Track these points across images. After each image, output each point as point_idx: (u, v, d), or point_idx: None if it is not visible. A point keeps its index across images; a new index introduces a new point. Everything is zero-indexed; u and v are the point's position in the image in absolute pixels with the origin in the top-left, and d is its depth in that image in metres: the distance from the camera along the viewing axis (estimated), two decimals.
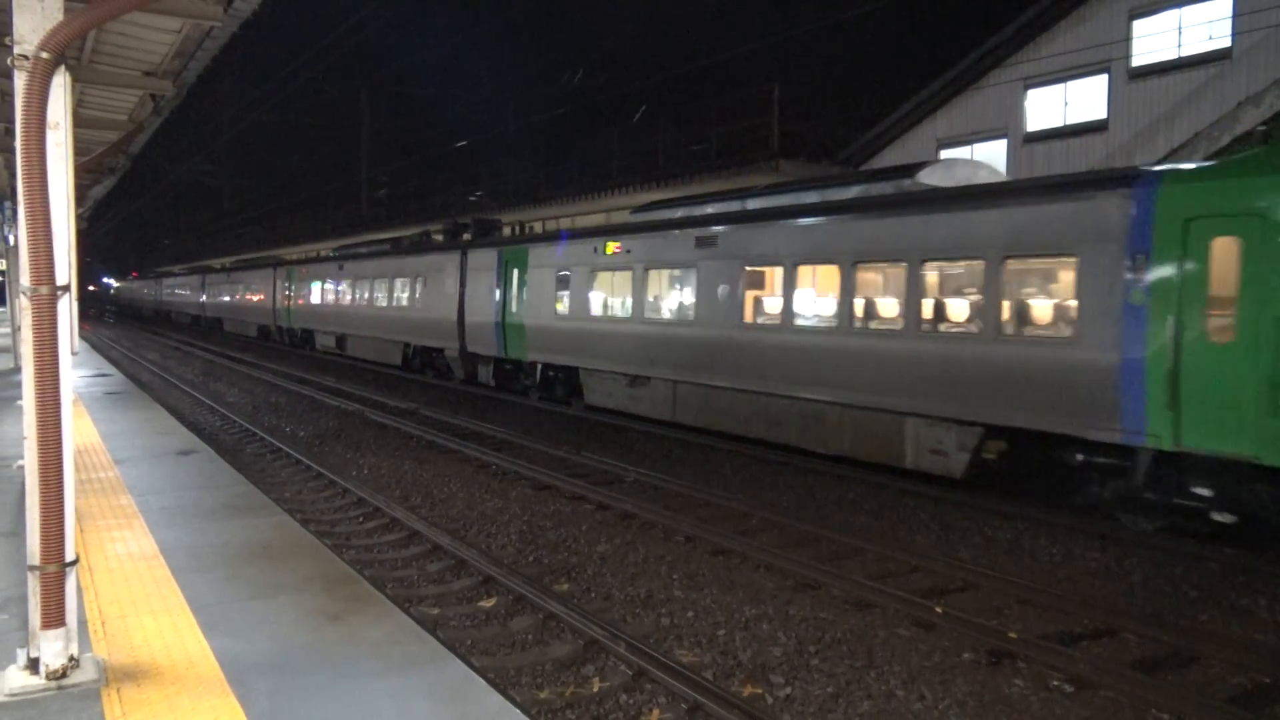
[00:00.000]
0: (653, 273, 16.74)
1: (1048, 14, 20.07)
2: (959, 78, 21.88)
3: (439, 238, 27.51)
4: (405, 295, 26.69)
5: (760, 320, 14.54)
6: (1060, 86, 20.10)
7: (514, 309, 20.67)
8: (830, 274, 13.41)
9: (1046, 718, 6.17)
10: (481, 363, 22.81)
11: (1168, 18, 18.34)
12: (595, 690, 6.48)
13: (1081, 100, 19.76)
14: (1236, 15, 17.06)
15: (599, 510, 11.46)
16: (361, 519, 11.09)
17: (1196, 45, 17.82)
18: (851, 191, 13.87)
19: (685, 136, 26.87)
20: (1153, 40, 18.54)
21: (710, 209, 16.25)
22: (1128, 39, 18.72)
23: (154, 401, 18.11)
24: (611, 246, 17.52)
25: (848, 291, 12.86)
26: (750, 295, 14.72)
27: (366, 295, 29.35)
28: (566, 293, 18.88)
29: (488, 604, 8.20)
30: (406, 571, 9.17)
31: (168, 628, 5.74)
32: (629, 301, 17.13)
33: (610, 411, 18.22)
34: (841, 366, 12.85)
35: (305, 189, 54.93)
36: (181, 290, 64.03)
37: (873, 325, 12.77)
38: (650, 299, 16.76)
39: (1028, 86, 20.56)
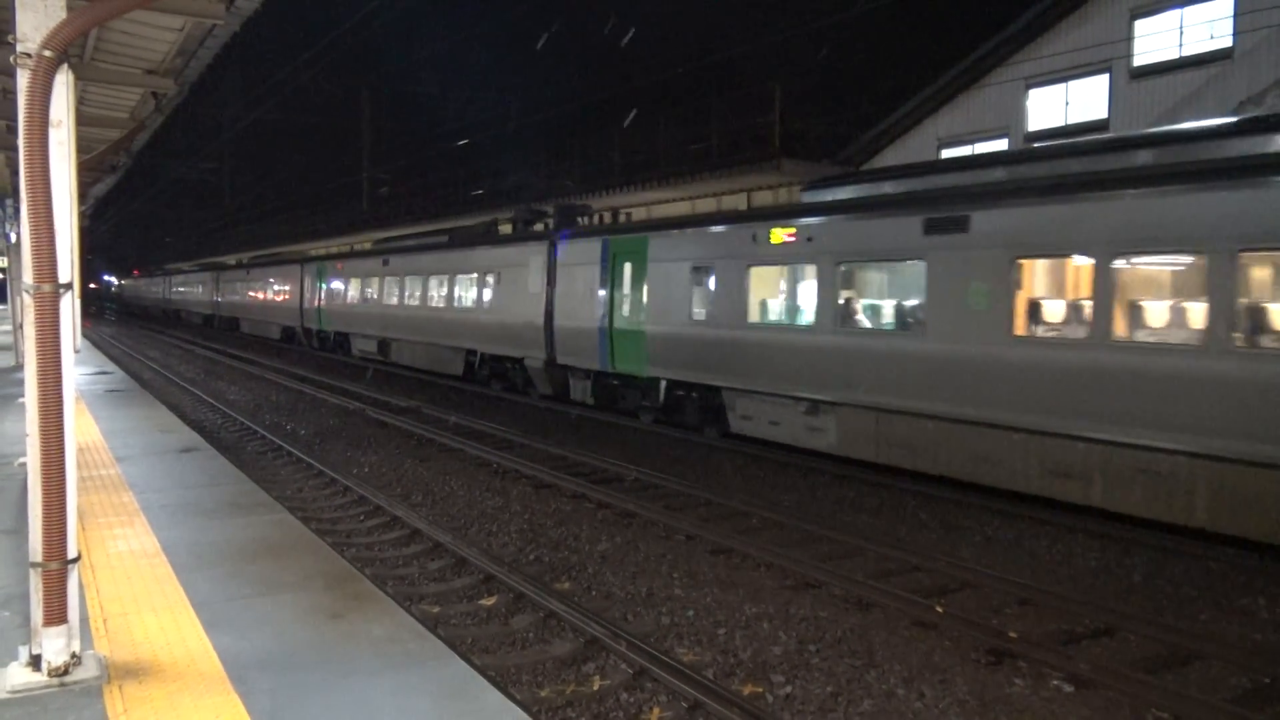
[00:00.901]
0: (847, 267, 13.16)
1: (1049, 13, 20.05)
2: (960, 77, 21.86)
3: (505, 228, 24.58)
4: (471, 294, 23.01)
5: (1047, 333, 10.83)
6: (1062, 86, 20.08)
7: (626, 312, 17.01)
8: (1193, 269, 9.72)
9: (1047, 717, 6.17)
10: (576, 376, 18.92)
11: (1169, 17, 18.32)
12: (596, 688, 6.49)
13: (1083, 100, 19.74)
14: (1238, 15, 17.04)
15: (600, 509, 11.47)
16: (362, 517, 11.10)
17: (1198, 45, 17.81)
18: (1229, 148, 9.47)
19: (686, 135, 26.83)
20: (1154, 40, 18.53)
21: (949, 178, 12.23)
22: (1129, 38, 18.71)
23: (155, 399, 18.13)
24: (779, 234, 13.92)
25: (1225, 292, 8.95)
26: (1027, 297, 11.02)
27: (419, 295, 25.67)
28: (707, 292, 15.34)
29: (488, 602, 8.21)
30: (407, 569, 9.18)
31: (169, 625, 5.75)
32: (808, 304, 13.67)
33: (768, 444, 14.67)
34: (1220, 401, 8.94)
35: (329, 182, 52.39)
36: (192, 288, 60.17)
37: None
38: (841, 300, 13.14)
39: (1029, 86, 20.55)
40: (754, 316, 14.45)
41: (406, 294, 26.65)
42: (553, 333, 19.10)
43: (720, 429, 15.51)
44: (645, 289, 16.54)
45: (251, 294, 44.52)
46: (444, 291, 24.52)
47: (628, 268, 17.11)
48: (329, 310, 33.14)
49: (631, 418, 17.83)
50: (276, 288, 40.10)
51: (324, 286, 33.50)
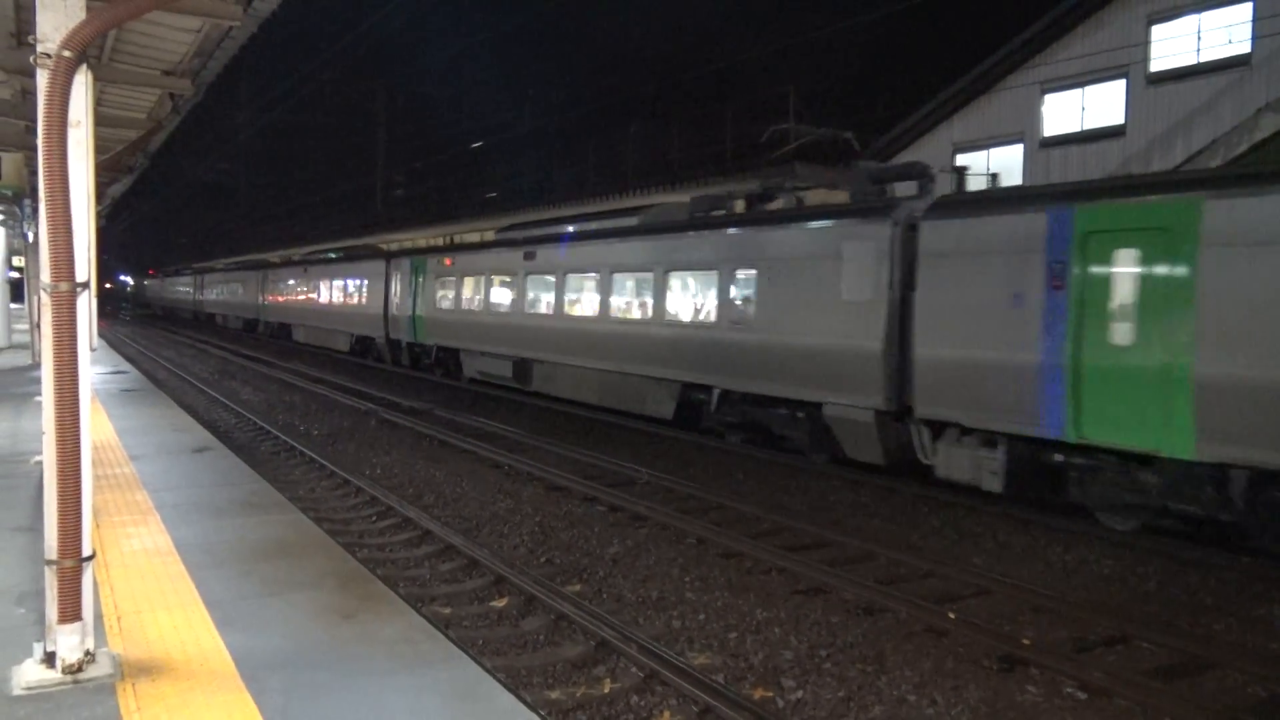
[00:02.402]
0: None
1: (1066, 18, 20.00)
2: (976, 81, 21.82)
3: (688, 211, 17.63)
4: (702, 300, 15.99)
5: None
6: (1078, 91, 20.01)
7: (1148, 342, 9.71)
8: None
9: None
10: (968, 445, 11.45)
11: (1187, 22, 18.24)
12: (606, 691, 6.48)
13: (1099, 105, 19.67)
14: (1257, 20, 16.95)
15: (611, 512, 11.46)
16: (374, 518, 11.13)
17: (1216, 50, 17.72)
18: None
19: (701, 138, 26.86)
20: (1171, 45, 18.44)
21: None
22: (1146, 44, 18.63)
23: (170, 399, 18.22)
24: None
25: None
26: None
27: (595, 299, 18.45)
28: None
29: (499, 604, 8.22)
30: (419, 571, 9.19)
31: (182, 623, 5.78)
32: None
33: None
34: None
35: (406, 164, 48.22)
36: (230, 288, 52.81)
37: None
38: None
39: (1045, 91, 20.48)
40: None
41: (568, 298, 19.45)
42: (907, 365, 12.09)
43: None
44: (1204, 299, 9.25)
45: (310, 296, 37.48)
46: (644, 296, 17.44)
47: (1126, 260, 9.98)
48: (431, 319, 25.75)
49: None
50: (348, 289, 32.86)
51: (423, 288, 26.27)
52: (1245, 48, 17.19)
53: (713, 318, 15.44)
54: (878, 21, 21.40)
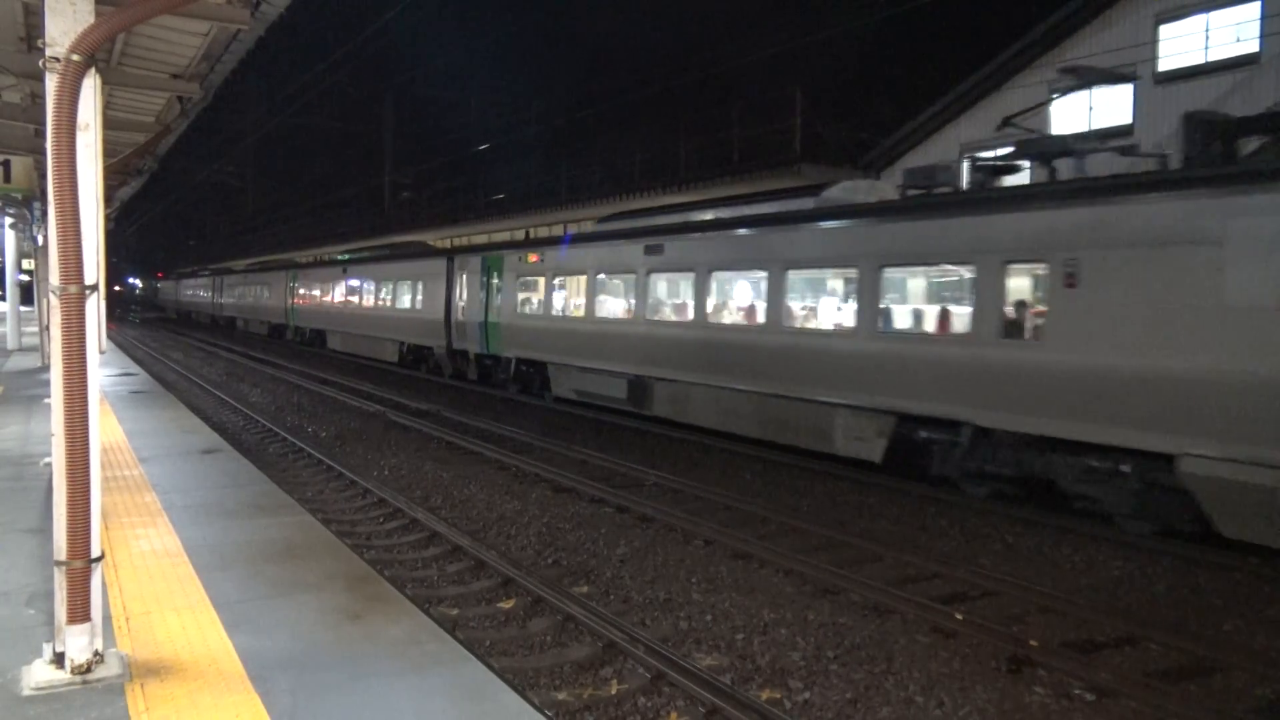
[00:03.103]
0: None
1: (1074, 18, 19.94)
2: (983, 82, 21.76)
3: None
4: (950, 309, 12.33)
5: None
6: (1086, 91, 19.95)
7: None
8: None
9: None
10: None
11: (1195, 22, 18.18)
12: (614, 692, 6.49)
13: (1107, 105, 19.60)
14: (1265, 18, 16.89)
15: (618, 513, 11.47)
16: (382, 519, 11.15)
17: (1224, 49, 17.66)
18: None
19: (707, 140, 26.83)
20: (1179, 44, 18.38)
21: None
22: (1154, 43, 18.57)
23: (178, 401, 18.27)
24: None
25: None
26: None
27: (759, 305, 15.05)
28: None
29: (507, 605, 8.23)
30: (426, 572, 9.21)
31: (191, 624, 5.80)
32: None
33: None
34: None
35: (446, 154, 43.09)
36: (253, 290, 49.11)
37: None
38: None
39: (1053, 90, 20.42)
40: None
41: (717, 301, 16.03)
42: None
43: None
44: None
45: (350, 299, 33.72)
46: (839, 299, 14.14)
47: None
48: (511, 327, 21.87)
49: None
50: (398, 292, 29.08)
51: (499, 290, 22.45)
52: (1254, 46, 17.12)
53: (966, 328, 11.60)
54: (884, 21, 21.41)
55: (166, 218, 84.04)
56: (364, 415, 19.66)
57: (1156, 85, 18.63)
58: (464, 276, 24.50)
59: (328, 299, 36.38)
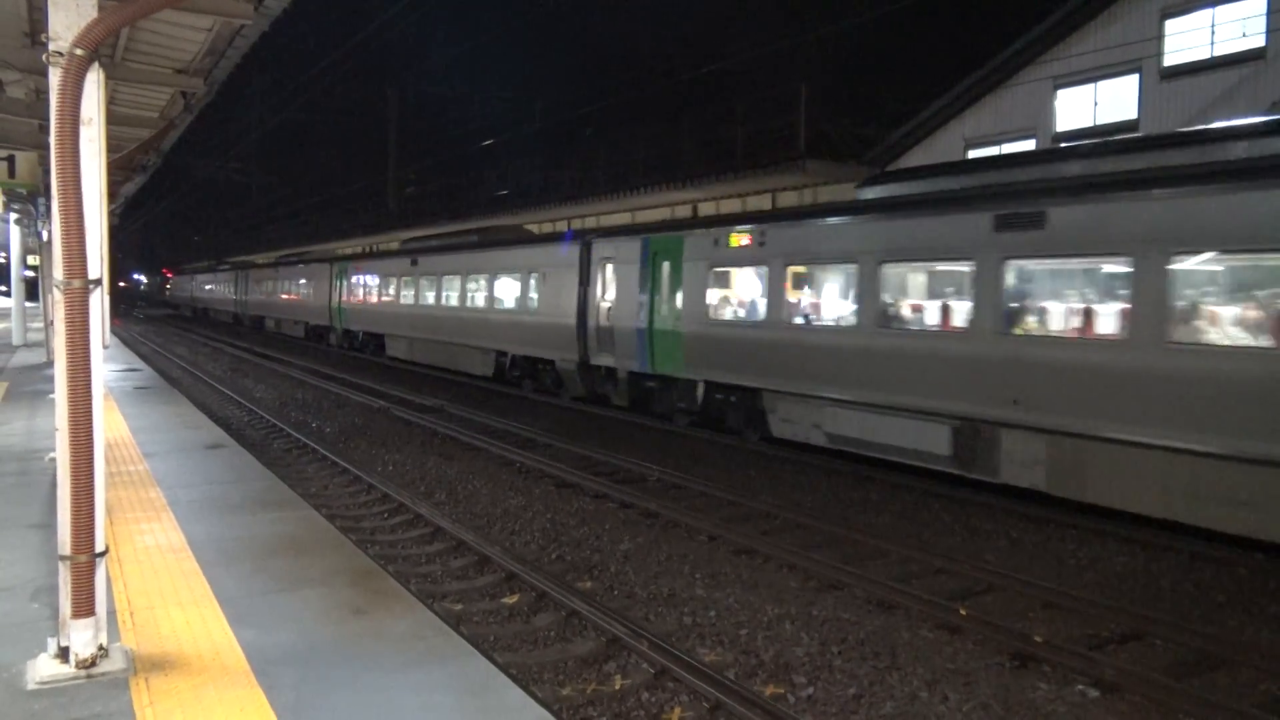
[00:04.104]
0: None
1: (1078, 13, 19.87)
2: (988, 77, 21.71)
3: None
4: None
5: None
6: (1090, 86, 19.90)
7: None
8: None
9: None
10: None
11: (1200, 16, 18.12)
12: (617, 688, 6.49)
13: (1112, 100, 19.55)
14: (1271, 13, 16.82)
15: (622, 509, 11.47)
16: (386, 515, 11.16)
17: (1230, 44, 17.60)
18: None
19: (711, 135, 26.76)
20: (1185, 39, 18.32)
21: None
22: (1160, 37, 18.51)
23: (182, 396, 18.31)
24: None
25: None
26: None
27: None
28: None
29: (510, 600, 8.23)
30: (430, 567, 9.22)
31: (195, 619, 5.80)
32: None
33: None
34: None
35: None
36: (287, 288, 42.98)
37: None
38: None
39: (1057, 86, 20.37)
40: None
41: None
42: None
43: None
44: None
45: (422, 297, 27.71)
46: None
47: None
48: (701, 337, 15.82)
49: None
50: (499, 288, 23.49)
51: (675, 284, 16.49)
52: (1260, 41, 17.06)
53: None
54: (888, 17, 21.34)
55: (173, 214, 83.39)
56: (368, 411, 19.68)
57: (1162, 80, 18.58)
58: (609, 268, 18.49)
59: (389, 297, 30.14)
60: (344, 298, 34.60)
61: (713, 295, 15.82)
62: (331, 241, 50.39)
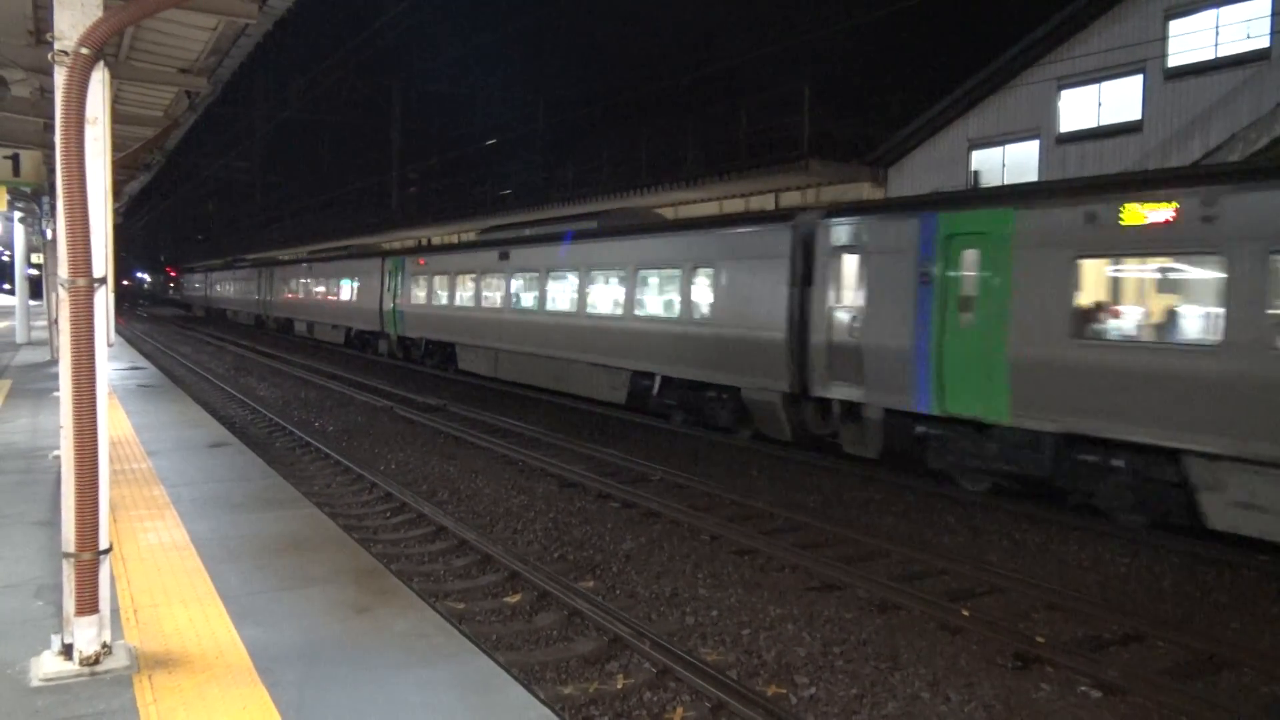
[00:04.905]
0: None
1: (1082, 13, 19.84)
2: (991, 78, 21.68)
3: None
4: None
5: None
6: (1094, 87, 19.87)
7: None
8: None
9: None
10: None
11: (1205, 17, 18.08)
12: (619, 687, 6.49)
13: (1116, 101, 19.52)
14: (1276, 15, 16.80)
15: (625, 508, 11.47)
16: (389, 514, 11.17)
17: (1234, 45, 17.57)
18: None
19: (713, 135, 26.74)
20: (1189, 40, 18.30)
21: None
22: (1164, 38, 18.49)
23: (186, 395, 18.33)
24: None
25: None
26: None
27: None
28: None
29: (513, 600, 8.24)
30: (433, 566, 9.23)
31: (198, 617, 5.82)
32: None
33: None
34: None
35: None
36: (324, 288, 37.89)
37: None
38: None
39: (1061, 87, 20.34)
40: None
41: None
42: None
43: None
44: None
45: (512, 301, 22.44)
46: None
47: None
48: (1048, 367, 10.74)
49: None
50: (638, 286, 17.91)
51: (997, 284, 11.36)
52: (1264, 42, 17.03)
53: None
54: (892, 16, 21.32)
55: (178, 212, 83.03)
56: (371, 410, 19.69)
57: (1166, 81, 18.55)
58: (850, 260, 13.43)
59: (465, 299, 25.08)
60: (401, 299, 29.17)
61: (1080, 298, 10.59)
62: (381, 234, 45.29)
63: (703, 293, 16.09)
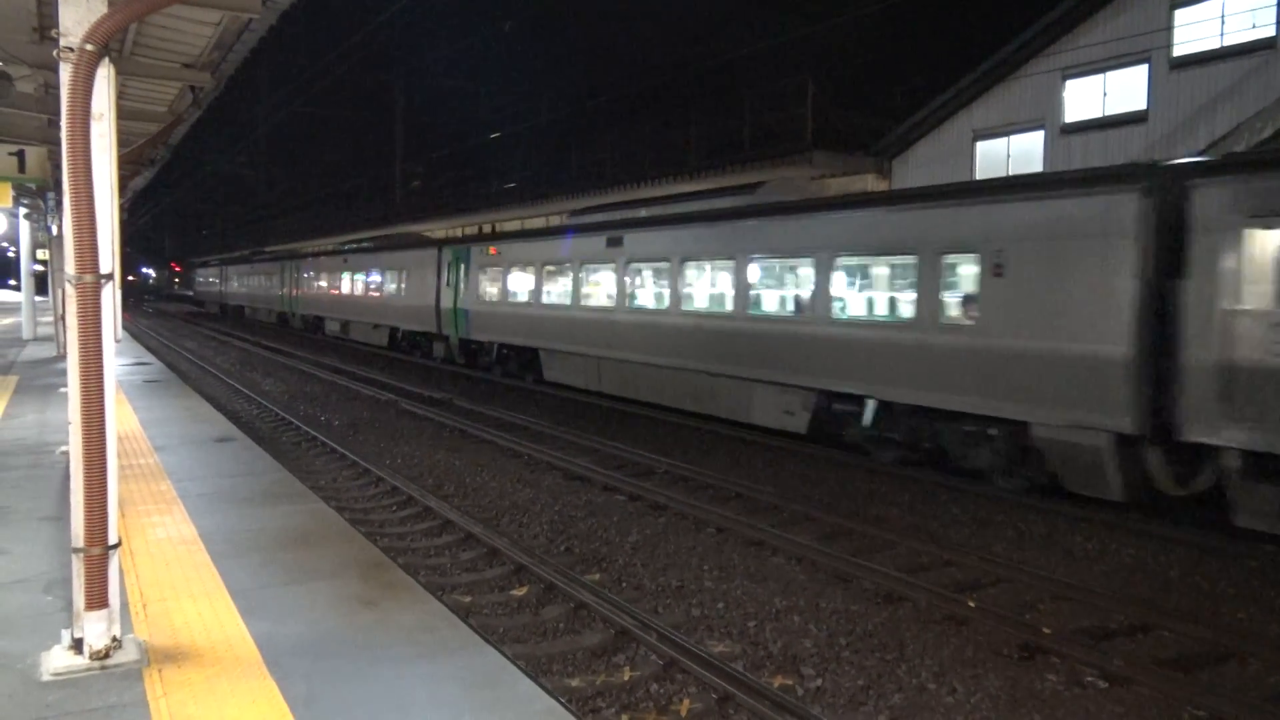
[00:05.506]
0: None
1: (1087, 3, 19.78)
2: (996, 68, 21.61)
3: None
4: None
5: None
6: (1099, 77, 19.80)
7: None
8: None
9: (1079, 713, 6.12)
10: None
11: (1210, 6, 18.00)
12: (626, 679, 6.51)
13: (1121, 91, 19.45)
14: None
15: (631, 501, 11.49)
16: (395, 507, 11.20)
17: (1240, 35, 17.50)
18: None
19: (717, 128, 26.65)
20: (1194, 29, 18.22)
21: None
22: (1169, 28, 18.42)
23: (192, 390, 18.36)
24: None
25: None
26: None
27: None
28: None
29: (519, 592, 8.26)
30: (439, 559, 9.26)
31: (207, 611, 5.84)
32: None
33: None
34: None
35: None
36: (361, 283, 33.81)
37: None
38: None
39: (1066, 77, 20.27)
40: None
41: None
42: None
43: None
44: None
45: (626, 299, 18.40)
46: None
47: None
48: None
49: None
50: (840, 278, 14.04)
51: None
52: (1270, 31, 16.96)
53: None
54: (896, 7, 21.24)
55: (184, 207, 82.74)
56: (376, 404, 19.73)
57: (1171, 71, 18.49)
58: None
59: (557, 296, 20.82)
60: (465, 295, 24.85)
61: None
62: (433, 220, 40.22)
63: (958, 287, 12.04)
